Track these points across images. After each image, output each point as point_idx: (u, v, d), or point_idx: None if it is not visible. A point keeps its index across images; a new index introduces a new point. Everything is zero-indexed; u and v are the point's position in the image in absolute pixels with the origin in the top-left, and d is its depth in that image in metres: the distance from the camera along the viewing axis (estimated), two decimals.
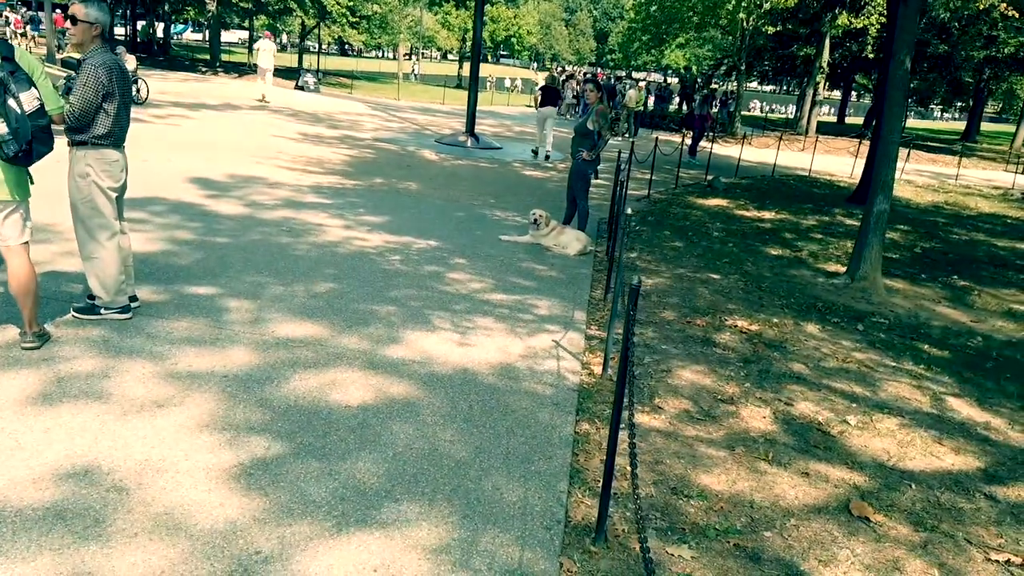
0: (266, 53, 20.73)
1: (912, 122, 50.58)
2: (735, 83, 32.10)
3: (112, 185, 4.22)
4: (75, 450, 3.06)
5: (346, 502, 2.94)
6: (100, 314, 4.34)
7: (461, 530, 2.86)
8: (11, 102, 3.52)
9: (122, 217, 4.40)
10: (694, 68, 47.89)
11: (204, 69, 28.50)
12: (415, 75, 48.31)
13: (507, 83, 47.08)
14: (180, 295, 4.94)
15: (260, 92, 20.75)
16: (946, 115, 67.29)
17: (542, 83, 16.82)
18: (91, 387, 3.59)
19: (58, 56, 18.18)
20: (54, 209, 6.31)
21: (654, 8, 28.65)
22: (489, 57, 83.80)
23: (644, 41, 33.09)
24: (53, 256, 5.39)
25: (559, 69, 47.69)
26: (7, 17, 32.90)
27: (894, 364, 5.44)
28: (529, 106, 28.64)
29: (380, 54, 72.64)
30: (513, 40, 72.89)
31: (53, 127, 3.80)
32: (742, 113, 30.44)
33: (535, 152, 15.93)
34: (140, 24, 40.47)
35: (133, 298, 4.55)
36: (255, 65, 21.24)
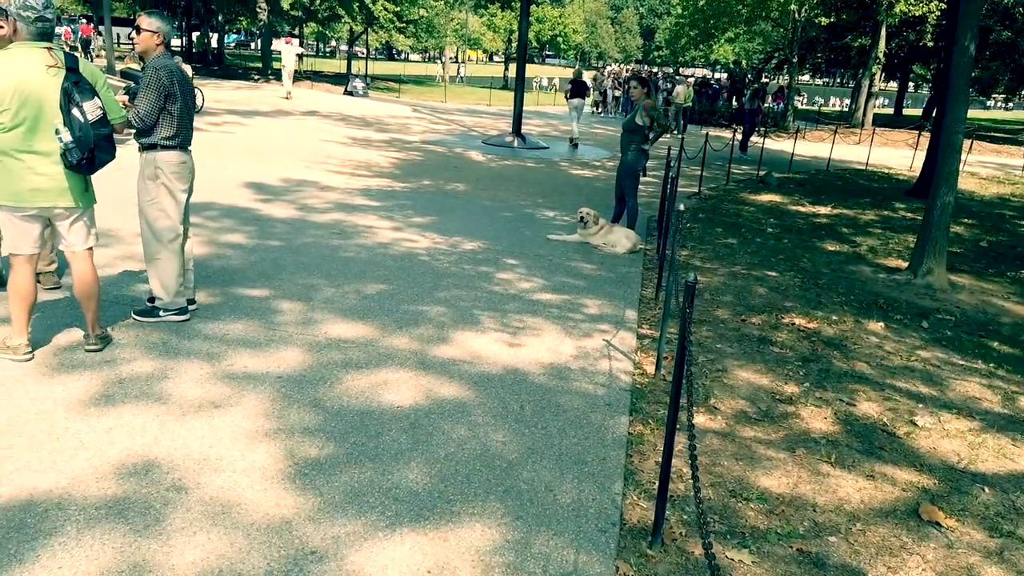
0: (288, 55, 23.16)
1: (974, 112, 48.73)
2: (787, 76, 31.35)
3: (181, 187, 4.32)
4: (136, 449, 3.13)
5: (399, 503, 2.93)
6: (159, 316, 4.45)
7: (514, 532, 2.82)
8: (75, 111, 3.63)
9: (187, 222, 4.50)
10: (744, 62, 47.02)
11: (256, 77, 29.14)
12: (444, 78, 48.53)
13: (543, 82, 46.40)
14: (235, 298, 5.03)
15: (285, 91, 22.89)
16: (1010, 104, 64.65)
17: (572, 79, 18.86)
18: (150, 388, 3.67)
19: (118, 67, 18.81)
20: (116, 215, 6.50)
21: (702, 2, 28.22)
22: (535, 58, 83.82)
23: (692, 36, 32.64)
24: (114, 260, 5.54)
25: (604, 68, 47.31)
26: (73, 27, 34.30)
27: (962, 362, 5.21)
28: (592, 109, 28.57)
29: (427, 57, 73.27)
30: (559, 39, 72.66)
31: (116, 136, 3.91)
32: (795, 107, 29.72)
33: (574, 144, 17.10)
34: (195, 35, 41.67)
35: (191, 301, 4.65)
36: (278, 70, 23.93)
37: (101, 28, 40.54)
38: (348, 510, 2.85)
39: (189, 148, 4.37)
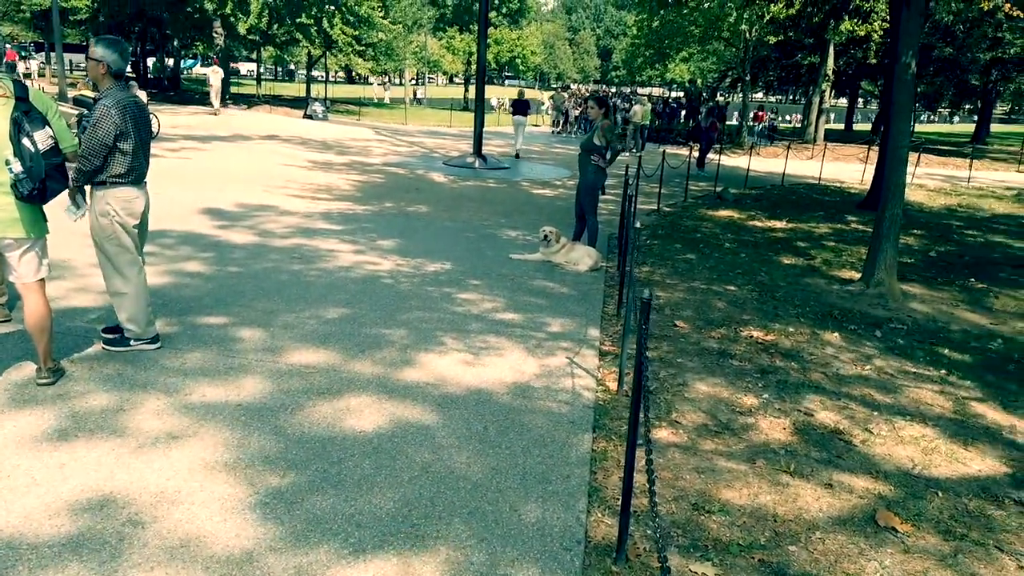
0: (215, 76, 26.00)
1: (921, 126, 50.38)
2: (740, 94, 32.11)
3: (133, 222, 4.26)
4: (90, 484, 3.06)
5: (363, 529, 2.91)
6: (130, 345, 4.38)
7: (480, 553, 2.82)
8: (25, 141, 3.57)
9: (141, 252, 4.44)
10: (699, 81, 48.00)
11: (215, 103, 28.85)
12: (386, 99, 48.45)
13: (492, 102, 46.64)
14: (193, 326, 4.96)
15: (214, 108, 25.36)
16: (955, 118, 67.03)
17: (515, 98, 21.18)
18: (106, 421, 3.59)
19: (70, 94, 18.51)
20: (70, 245, 6.37)
21: (656, 23, 28.80)
22: (495, 79, 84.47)
23: (647, 56, 33.26)
24: (68, 292, 5.43)
25: (564, 89, 47.83)
26: (20, 54, 33.65)
27: (914, 370, 5.36)
28: (536, 125, 29.04)
29: (416, 82, 73.50)
30: (517, 61, 73.45)
31: (68, 164, 3.85)
32: (749, 124, 30.42)
33: (517, 156, 19.11)
34: (151, 60, 41.16)
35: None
36: (209, 88, 26.32)
37: (39, 54, 39.81)
38: (310, 538, 2.82)
39: (143, 183, 4.31)
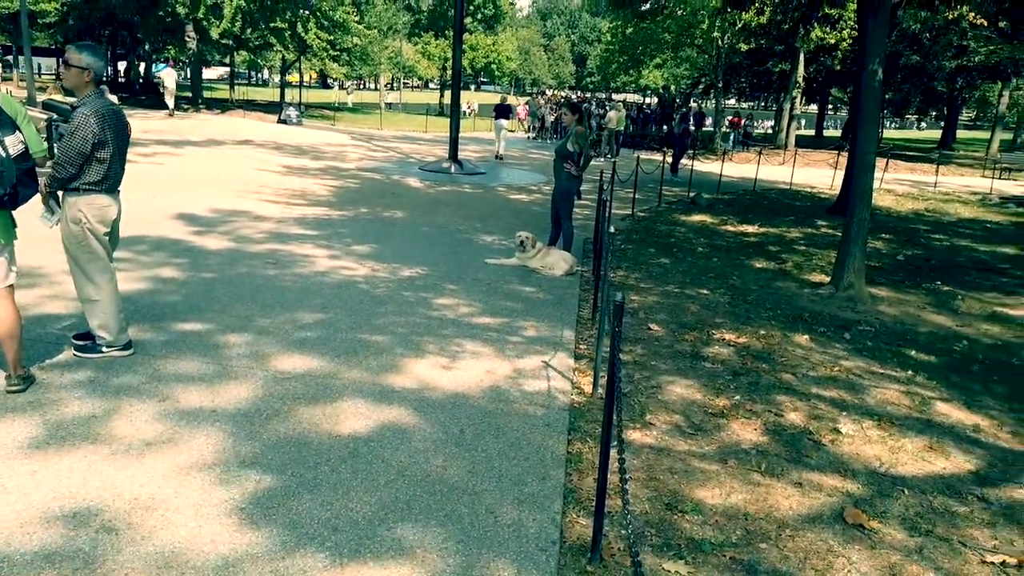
0: (169, 78, 26.21)
1: (889, 133, 51.28)
2: (713, 101, 32.50)
3: (104, 230, 4.22)
4: (63, 492, 3.03)
5: (339, 532, 2.92)
6: (102, 352, 4.34)
7: (456, 556, 2.84)
8: None
9: (111, 259, 4.41)
10: (672, 87, 48.48)
11: (186, 106, 28.59)
12: (349, 103, 48.36)
13: (465, 108, 46.70)
14: (167, 332, 4.92)
15: (169, 110, 25.32)
16: (923, 124, 68.36)
17: (497, 102, 21.63)
18: (77, 428, 3.56)
19: (39, 99, 18.23)
20: (40, 251, 6.29)
21: (630, 30, 29.07)
22: (470, 84, 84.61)
23: (621, 62, 33.56)
24: (39, 299, 5.36)
25: (540, 95, 47.94)
26: None
27: (882, 371, 5.48)
28: (512, 130, 29.21)
29: (362, 85, 73.17)
30: (493, 67, 73.62)
31: (38, 170, 3.81)
32: (724, 130, 30.79)
33: (498, 158, 20.06)
34: (121, 64, 40.66)
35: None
36: (163, 90, 26.30)
37: (7, 58, 39.13)
38: (287, 543, 2.83)
39: (117, 190, 4.28)
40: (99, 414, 3.71)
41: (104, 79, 4.21)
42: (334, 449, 3.56)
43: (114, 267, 4.42)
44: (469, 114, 40.12)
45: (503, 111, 20.71)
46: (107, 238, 4.28)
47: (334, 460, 3.46)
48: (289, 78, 42.27)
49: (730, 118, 32.95)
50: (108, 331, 4.32)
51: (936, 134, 50.97)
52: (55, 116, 6.45)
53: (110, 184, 4.18)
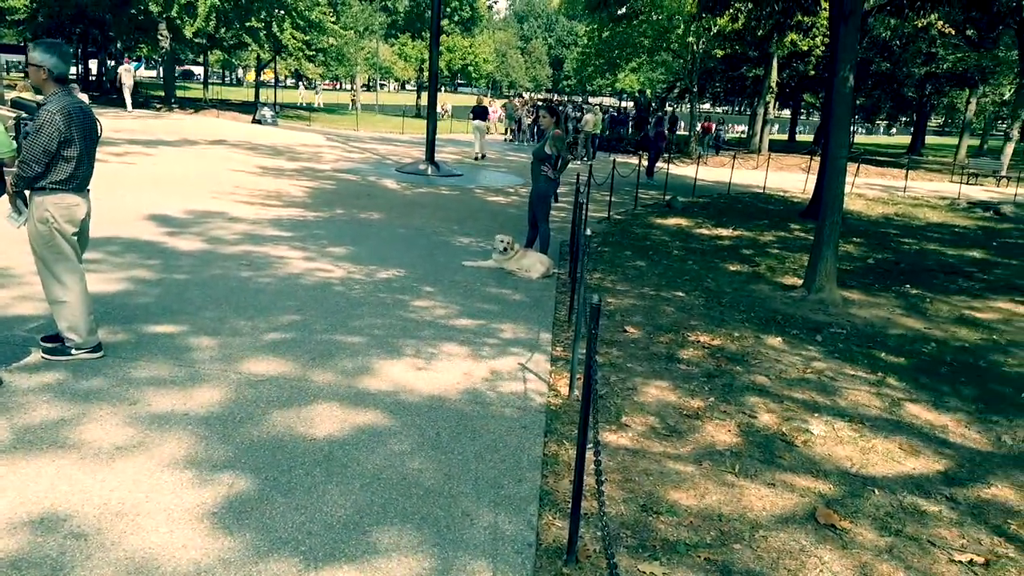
0: (127, 75, 26.01)
1: (860, 138, 52.10)
2: (688, 105, 32.80)
3: (72, 230, 4.16)
4: (29, 497, 2.97)
5: (314, 536, 2.89)
6: (71, 355, 4.26)
7: (432, 559, 2.83)
8: None
9: (80, 259, 4.34)
10: (648, 91, 48.81)
11: (159, 106, 28.22)
12: (319, 103, 48.10)
13: (439, 110, 46.66)
14: (139, 334, 4.85)
15: (128, 108, 25.20)
16: (893, 130, 69.53)
17: (475, 104, 22.48)
18: (46, 432, 3.49)
19: (7, 96, 17.89)
20: (8, 252, 6.18)
21: (606, 34, 29.23)
22: (447, 86, 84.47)
23: (598, 66, 33.72)
24: (7, 300, 5.26)
25: (516, 96, 48.09)
26: None
27: (853, 373, 5.56)
28: (487, 132, 29.38)
29: (338, 86, 72.77)
30: (470, 69, 73.65)
31: (5, 169, 3.74)
32: (697, 134, 31.05)
33: (476, 158, 20.52)
34: (93, 63, 40.01)
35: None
36: (121, 86, 26.08)
37: None
38: (261, 548, 2.80)
39: (86, 189, 4.21)
40: (68, 418, 3.64)
41: (71, 77, 4.15)
42: (308, 452, 3.53)
43: (83, 268, 4.35)
44: (443, 116, 40.15)
45: (480, 113, 21.53)
46: (76, 238, 4.21)
47: (308, 463, 3.43)
48: (264, 75, 41.91)
49: (702, 123, 33.23)
50: (78, 332, 4.25)
51: (905, 139, 51.87)
52: (23, 115, 6.31)
53: (78, 183, 4.11)
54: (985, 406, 5.10)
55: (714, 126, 32.99)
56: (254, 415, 3.86)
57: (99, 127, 4.26)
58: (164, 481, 3.18)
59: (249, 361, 4.57)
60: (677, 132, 31.27)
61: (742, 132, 43.40)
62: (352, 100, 48.96)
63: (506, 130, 31.85)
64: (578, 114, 28.88)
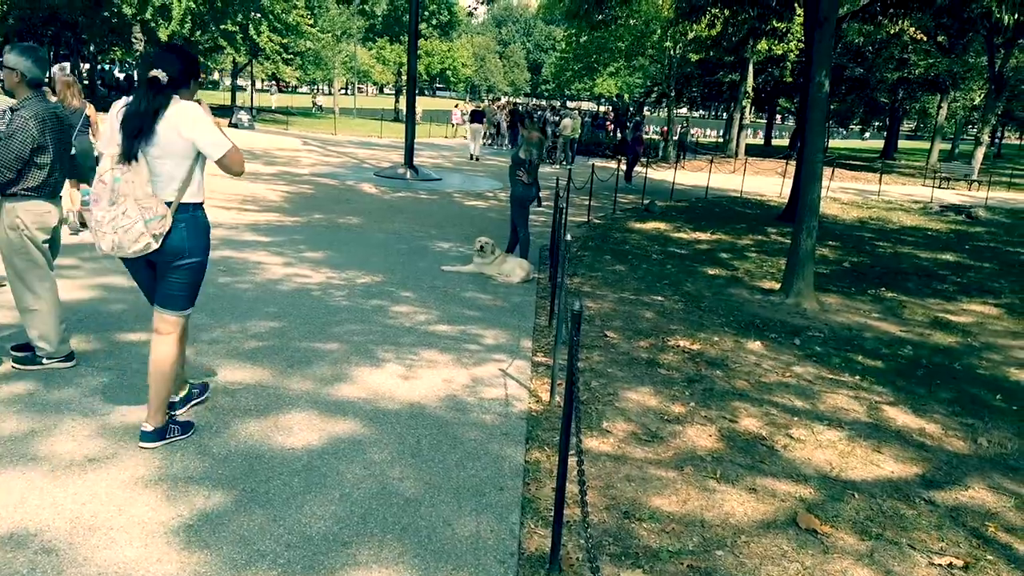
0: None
1: (834, 142, 52.76)
2: (666, 109, 33.02)
3: (43, 237, 4.08)
4: None
5: (292, 549, 2.84)
6: (43, 364, 4.17)
7: (413, 570, 2.79)
8: None
9: (51, 266, 4.25)
10: (626, 96, 49.09)
11: None
12: (319, 107, 47.95)
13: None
14: (112, 343, 4.76)
15: None
16: (866, 134, 70.55)
17: (472, 108, 25.61)
18: (15, 444, 3.40)
19: None
20: None
21: (584, 38, 29.35)
22: (425, 90, 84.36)
23: (576, 70, 33.85)
24: None
25: (494, 100, 48.10)
26: None
27: (831, 376, 5.60)
28: (465, 137, 29.64)
29: (316, 89, 72.40)
30: (448, 73, 73.62)
31: None
32: (674, 138, 31.27)
33: (471, 156, 22.74)
34: (66, 64, 39.38)
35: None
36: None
37: None
38: (237, 561, 2.74)
39: (58, 196, 4.14)
40: (38, 429, 3.56)
41: (45, 81, 4.07)
42: (287, 462, 3.47)
43: (55, 275, 4.26)
44: (457, 125, 40.14)
45: (477, 117, 24.01)
46: (47, 245, 4.13)
47: (286, 473, 3.38)
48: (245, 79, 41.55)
49: (662, 128, 33.36)
50: (48, 342, 4.16)
51: (879, 144, 52.64)
52: None
53: (50, 190, 4.03)
54: (961, 408, 5.16)
55: (670, 129, 33.03)
56: (231, 425, 3.79)
57: (71, 132, 4.19)
58: (138, 494, 3.11)
59: (227, 369, 4.50)
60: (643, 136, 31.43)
61: (717, 137, 43.75)
62: (313, 102, 48.66)
63: (486, 134, 31.79)
64: (556, 118, 28.94)
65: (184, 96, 3.31)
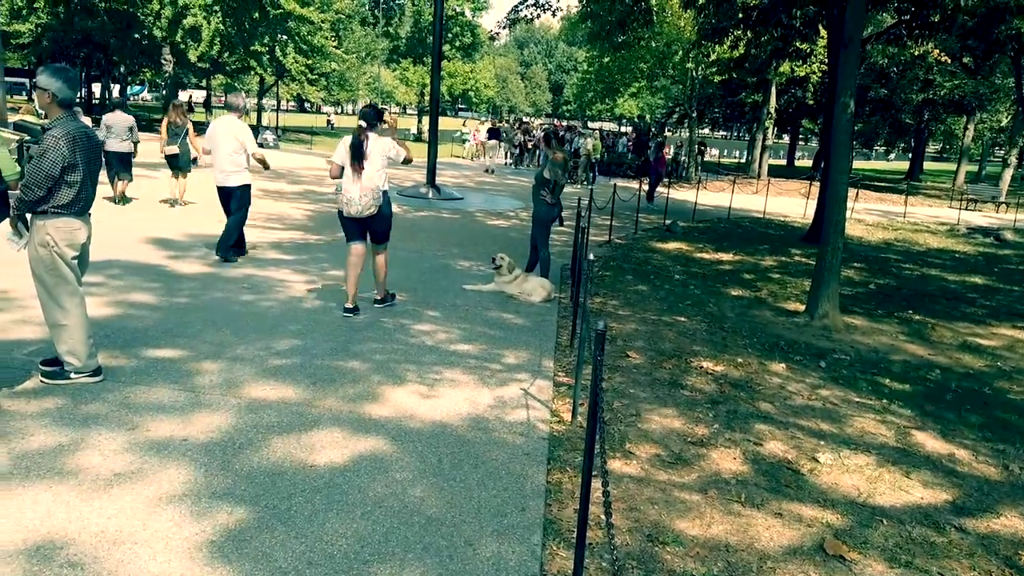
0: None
1: (858, 163, 52.38)
2: (688, 130, 32.98)
3: (73, 253, 4.16)
4: (26, 525, 2.92)
5: (314, 566, 2.84)
6: (71, 378, 4.23)
7: None
8: None
9: (80, 283, 4.32)
10: (647, 116, 49.15)
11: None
12: (332, 126, 48.52)
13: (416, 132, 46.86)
14: (139, 359, 4.82)
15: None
16: (891, 156, 69.99)
17: (489, 126, 29.31)
18: (43, 458, 3.45)
19: (10, 120, 17.99)
20: (9, 276, 6.15)
21: (607, 59, 29.48)
22: (448, 111, 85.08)
23: (597, 91, 33.96)
24: (6, 324, 5.23)
25: (516, 121, 48.33)
26: None
27: (858, 400, 5.51)
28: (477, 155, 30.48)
29: (339, 110, 73.32)
30: (471, 93, 74.24)
31: (9, 192, 3.74)
32: (697, 159, 31.20)
33: (489, 171, 24.96)
34: (96, 86, 40.32)
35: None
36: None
37: None
38: None
39: (87, 214, 4.22)
40: (66, 443, 3.60)
41: (76, 101, 4.17)
42: (309, 480, 3.48)
43: (83, 291, 4.33)
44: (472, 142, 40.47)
45: (494, 134, 27.71)
46: (76, 262, 4.20)
47: (309, 491, 3.38)
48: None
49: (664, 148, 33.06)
50: (77, 356, 4.22)
51: (903, 165, 52.15)
52: (27, 137, 6.34)
53: (80, 207, 4.11)
54: (992, 434, 5.06)
55: (671, 149, 32.67)
56: (254, 441, 3.81)
57: (101, 151, 4.28)
58: (162, 509, 3.13)
59: (249, 386, 4.53)
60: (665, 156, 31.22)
61: (739, 159, 43.56)
62: (328, 122, 49.14)
63: (506, 154, 31.96)
64: (576, 138, 29.05)
65: (377, 132, 6.15)
